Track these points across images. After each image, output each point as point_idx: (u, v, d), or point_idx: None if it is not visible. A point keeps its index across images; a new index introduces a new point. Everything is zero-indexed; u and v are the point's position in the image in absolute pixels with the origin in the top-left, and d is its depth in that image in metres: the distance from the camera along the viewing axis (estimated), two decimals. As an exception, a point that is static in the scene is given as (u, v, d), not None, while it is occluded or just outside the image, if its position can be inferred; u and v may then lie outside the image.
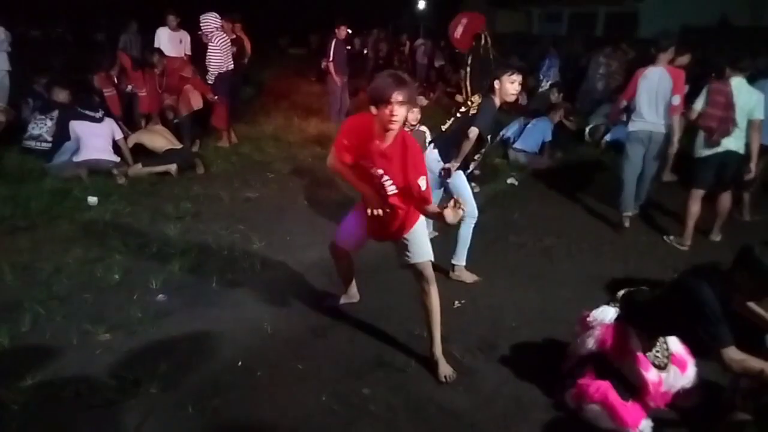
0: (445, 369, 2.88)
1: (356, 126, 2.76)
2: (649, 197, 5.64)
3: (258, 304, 3.52)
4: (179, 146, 6.29)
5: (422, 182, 2.59)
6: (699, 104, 4.66)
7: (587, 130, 8.33)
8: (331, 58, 8.56)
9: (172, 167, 5.94)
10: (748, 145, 4.60)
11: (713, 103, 4.57)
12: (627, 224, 5.14)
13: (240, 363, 2.91)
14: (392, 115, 2.50)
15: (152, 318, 3.25)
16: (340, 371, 2.90)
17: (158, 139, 6.22)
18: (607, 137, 7.91)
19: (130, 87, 6.98)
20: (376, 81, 2.58)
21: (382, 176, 2.70)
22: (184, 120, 6.83)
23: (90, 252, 4.02)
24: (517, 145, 7.46)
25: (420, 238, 2.91)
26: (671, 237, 4.95)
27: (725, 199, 4.90)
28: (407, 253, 2.89)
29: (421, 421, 2.59)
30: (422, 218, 2.94)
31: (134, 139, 6.21)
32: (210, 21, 6.95)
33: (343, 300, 3.56)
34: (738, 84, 4.56)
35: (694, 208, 4.74)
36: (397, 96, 2.46)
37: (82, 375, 2.73)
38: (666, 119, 4.90)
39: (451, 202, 2.49)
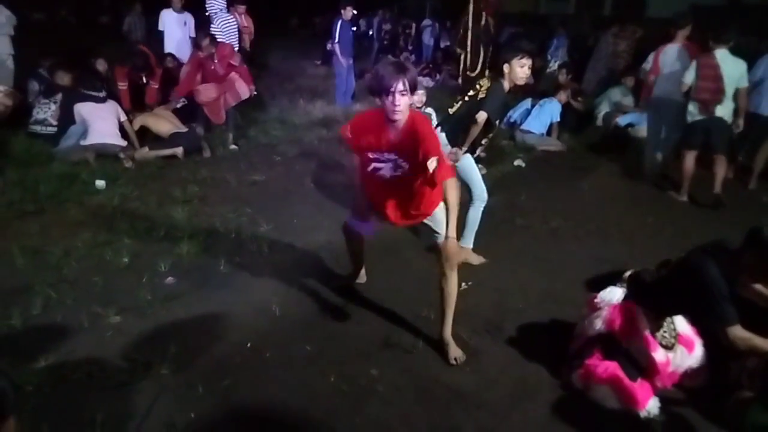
0: (455, 352, 2.89)
1: (362, 123, 2.75)
2: (662, 171, 6.00)
3: (266, 286, 3.54)
4: (184, 129, 6.28)
5: (432, 163, 2.55)
6: (689, 78, 5.13)
7: (600, 116, 8.22)
8: (336, 40, 8.48)
9: (179, 150, 5.95)
10: (736, 111, 5.15)
11: (704, 77, 5.03)
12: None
13: (249, 344, 2.93)
14: (395, 105, 2.49)
15: (161, 300, 3.28)
16: (348, 352, 2.93)
17: (163, 123, 6.22)
18: (620, 120, 7.82)
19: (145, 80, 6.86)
20: (376, 71, 2.55)
21: (396, 161, 2.68)
22: (231, 111, 6.64)
23: (99, 235, 4.05)
24: (524, 126, 7.42)
25: (443, 217, 2.86)
26: (671, 192, 5.59)
27: (720, 163, 5.32)
28: (436, 233, 2.86)
29: (429, 401, 2.61)
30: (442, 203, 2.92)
31: (140, 121, 6.21)
32: (214, 2, 6.90)
33: (349, 281, 3.57)
34: (722, 55, 5.01)
35: (688, 166, 5.41)
36: (398, 85, 2.45)
37: (94, 357, 2.76)
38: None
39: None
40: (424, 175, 2.62)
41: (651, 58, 5.82)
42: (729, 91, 5.02)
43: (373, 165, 2.75)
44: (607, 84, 8.77)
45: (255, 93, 6.94)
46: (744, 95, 5.14)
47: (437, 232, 2.86)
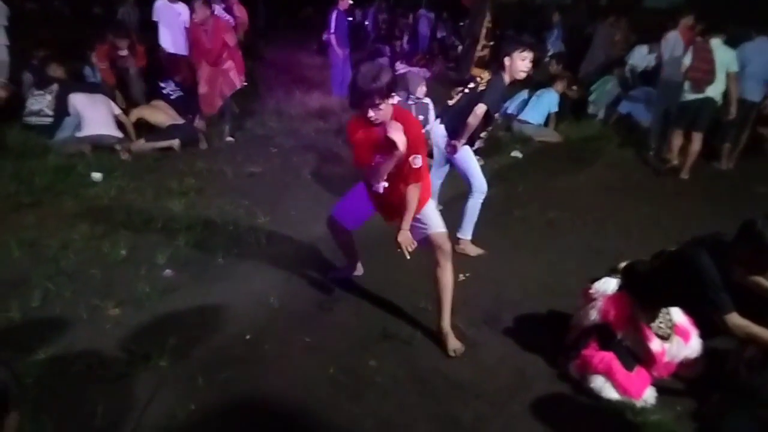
0: (454, 343, 2.91)
1: (355, 127, 2.79)
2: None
3: (264, 278, 3.54)
4: (181, 121, 6.25)
5: (415, 160, 2.62)
6: (687, 60, 5.73)
7: (594, 104, 8.22)
8: (332, 30, 8.43)
9: (175, 142, 5.92)
10: (727, 96, 5.74)
11: (699, 59, 5.63)
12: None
13: (247, 336, 2.95)
14: (371, 117, 2.56)
15: (160, 293, 3.29)
16: (347, 344, 2.94)
17: (159, 114, 6.18)
18: (621, 108, 7.82)
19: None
20: (352, 81, 2.58)
21: (383, 161, 2.71)
22: (227, 102, 6.53)
23: (96, 228, 4.03)
24: (522, 117, 7.42)
25: (431, 213, 2.92)
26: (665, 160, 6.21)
27: (696, 141, 5.90)
28: (422, 227, 2.88)
29: (427, 392, 2.63)
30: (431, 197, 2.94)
31: (136, 113, 6.17)
32: None
33: (346, 273, 3.58)
34: (715, 44, 5.64)
35: (676, 141, 6.13)
36: (370, 102, 2.50)
37: (93, 349, 2.77)
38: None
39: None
40: (407, 171, 2.67)
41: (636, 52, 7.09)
42: (720, 74, 5.61)
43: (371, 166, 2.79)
44: (603, 73, 8.76)
45: (245, 84, 6.81)
46: (734, 79, 5.70)
47: (423, 226, 2.88)
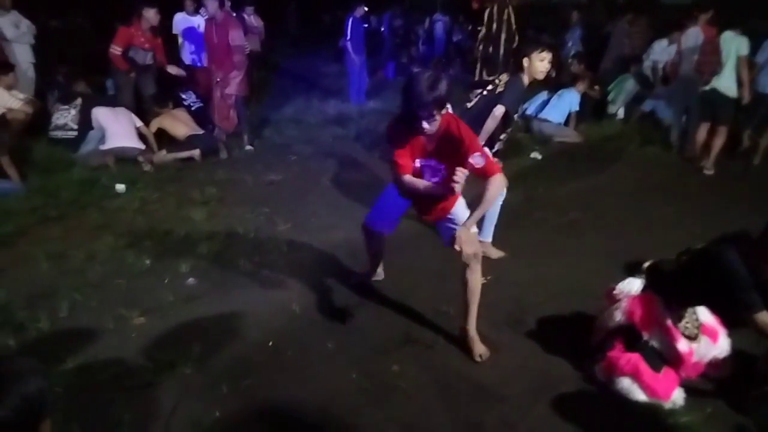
0: (479, 348, 2.87)
1: (399, 130, 2.69)
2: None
3: (285, 285, 3.56)
4: (201, 132, 6.34)
5: (476, 159, 2.49)
6: (696, 54, 5.86)
7: (615, 105, 8.12)
8: (348, 37, 8.49)
9: (196, 153, 6.02)
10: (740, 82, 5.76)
11: (708, 52, 5.73)
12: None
13: (270, 343, 2.96)
14: (425, 129, 2.48)
15: (183, 301, 3.33)
16: (369, 349, 2.94)
17: (180, 126, 6.27)
18: (644, 107, 7.72)
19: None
20: (406, 91, 2.44)
21: (436, 166, 2.69)
22: (243, 112, 6.61)
23: (120, 239, 4.11)
24: (542, 115, 7.37)
25: (462, 212, 2.87)
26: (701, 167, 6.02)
27: (720, 135, 5.88)
28: (453, 227, 2.82)
29: (451, 396, 2.61)
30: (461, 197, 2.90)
31: (157, 123, 6.28)
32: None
33: (366, 278, 3.58)
34: (726, 35, 5.71)
35: (699, 136, 6.13)
36: (428, 113, 2.42)
37: (119, 358, 2.81)
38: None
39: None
40: (472, 171, 2.56)
41: (656, 47, 6.98)
42: (729, 62, 5.67)
43: (413, 173, 2.75)
44: (621, 71, 8.65)
45: (247, 94, 6.78)
46: (744, 63, 5.71)
47: (456, 227, 2.82)
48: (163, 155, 5.94)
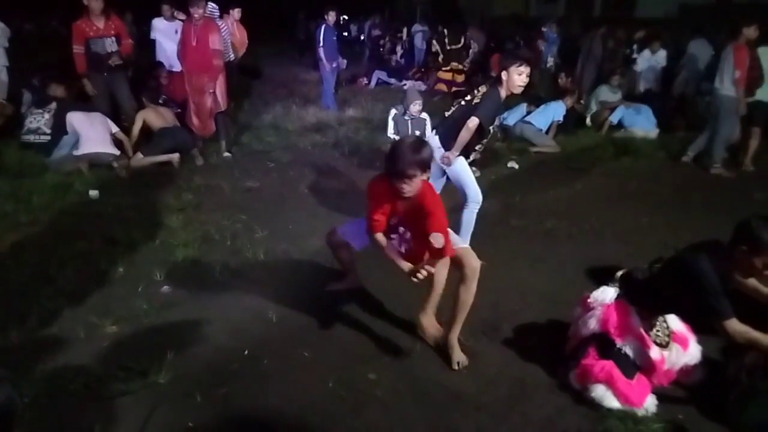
0: (458, 356, 2.87)
1: (378, 189, 2.80)
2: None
3: (262, 292, 3.53)
4: (174, 125, 6.30)
5: (436, 239, 2.59)
6: (736, 73, 5.97)
7: (588, 116, 8.32)
8: (321, 44, 8.55)
9: (174, 157, 5.97)
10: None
11: (748, 67, 5.90)
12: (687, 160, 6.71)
13: (246, 351, 2.93)
14: (402, 189, 2.60)
15: (158, 309, 3.28)
16: (346, 357, 2.93)
17: (161, 121, 6.24)
18: (612, 119, 7.93)
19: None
20: (392, 150, 2.62)
21: (405, 231, 2.81)
22: (220, 118, 6.45)
23: (93, 245, 4.04)
24: (527, 119, 7.50)
25: (451, 234, 2.89)
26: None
27: (755, 136, 6.38)
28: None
29: (428, 404, 2.61)
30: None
31: (142, 115, 6.23)
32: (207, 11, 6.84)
33: (344, 286, 3.56)
34: (762, 51, 5.96)
35: (753, 143, 6.45)
36: (410, 174, 2.55)
37: (90, 367, 2.75)
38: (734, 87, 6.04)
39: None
40: (428, 247, 2.67)
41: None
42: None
43: (388, 232, 2.87)
44: (597, 84, 8.88)
45: (228, 106, 6.65)
46: None
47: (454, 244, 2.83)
48: (139, 159, 5.87)
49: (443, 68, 9.21)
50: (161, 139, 6.04)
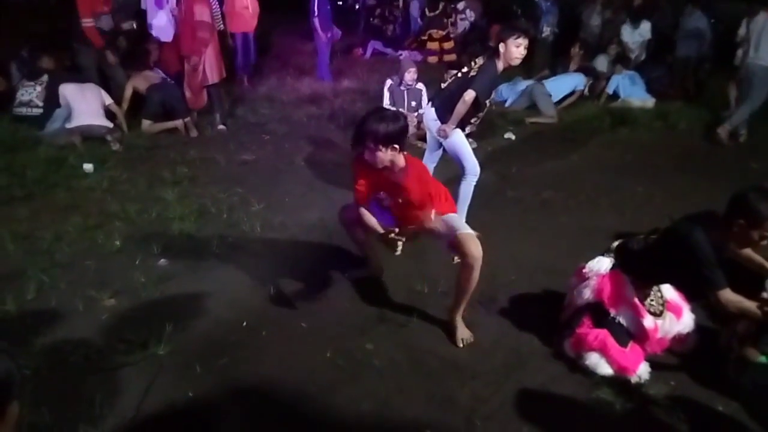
0: (462, 333, 2.88)
1: (360, 160, 2.79)
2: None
3: (260, 265, 3.54)
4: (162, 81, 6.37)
5: (430, 216, 2.68)
6: None
7: (586, 87, 8.25)
8: (315, 14, 8.40)
9: (179, 123, 6.06)
10: None
11: None
12: (723, 138, 6.30)
13: (245, 323, 2.96)
14: (373, 158, 2.62)
15: (155, 282, 3.29)
16: (343, 328, 2.96)
17: (147, 84, 6.26)
18: (608, 89, 7.88)
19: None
20: (361, 119, 2.65)
21: (383, 201, 2.84)
22: (214, 91, 6.38)
23: (89, 219, 4.03)
24: (546, 83, 7.56)
25: (454, 218, 2.89)
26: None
27: None
28: (448, 230, 2.81)
29: (424, 373, 2.65)
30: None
31: (131, 84, 6.25)
32: None
33: (364, 273, 3.42)
34: None
35: None
36: (372, 142, 2.57)
37: (90, 339, 2.78)
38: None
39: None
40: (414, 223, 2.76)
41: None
42: None
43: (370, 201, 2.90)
44: (595, 53, 8.77)
45: (224, 77, 6.58)
46: None
47: (451, 228, 2.80)
48: (148, 126, 5.97)
49: (421, 37, 9.01)
50: (151, 97, 6.08)
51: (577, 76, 7.77)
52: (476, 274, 2.74)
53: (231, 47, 8.05)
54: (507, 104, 7.60)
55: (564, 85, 7.62)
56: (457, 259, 2.92)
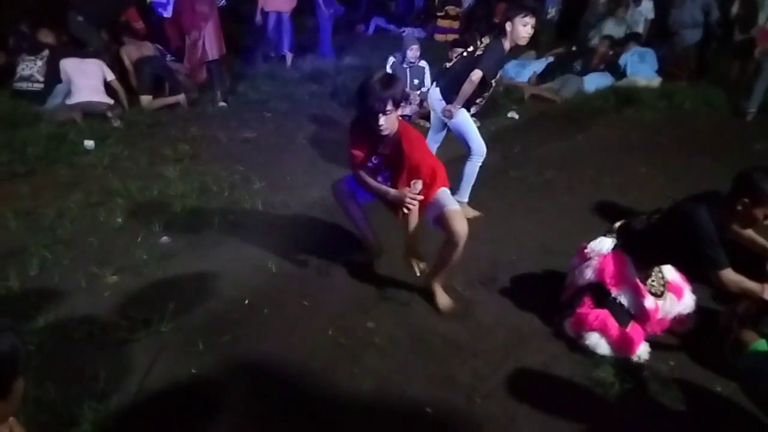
0: (442, 299, 2.93)
1: (358, 128, 2.81)
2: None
3: (261, 243, 3.55)
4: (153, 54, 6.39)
5: (415, 186, 2.67)
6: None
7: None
8: None
9: (181, 98, 6.06)
10: None
11: None
12: (749, 118, 6.44)
13: (246, 301, 2.97)
14: (378, 126, 2.61)
15: (158, 259, 3.29)
16: (345, 306, 2.97)
17: (138, 54, 6.28)
18: (620, 62, 7.74)
19: None
20: (361, 86, 2.62)
21: (381, 168, 2.84)
22: (215, 67, 6.34)
23: (91, 196, 4.03)
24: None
25: (445, 193, 2.87)
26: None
27: None
28: (436, 205, 2.81)
29: (425, 351, 2.67)
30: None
31: (123, 52, 6.30)
32: None
33: (362, 258, 3.34)
34: None
35: None
36: (380, 107, 2.54)
37: (93, 316, 2.79)
38: None
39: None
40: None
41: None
42: None
43: (366, 168, 2.89)
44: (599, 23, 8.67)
45: (224, 53, 6.55)
46: None
47: (439, 204, 2.80)
48: (149, 102, 5.95)
49: (438, 14, 8.89)
50: (142, 70, 6.07)
51: (604, 76, 7.57)
52: (459, 251, 2.76)
53: (259, 24, 7.97)
54: (512, 75, 7.54)
55: (597, 79, 7.49)
56: (422, 267, 2.92)
